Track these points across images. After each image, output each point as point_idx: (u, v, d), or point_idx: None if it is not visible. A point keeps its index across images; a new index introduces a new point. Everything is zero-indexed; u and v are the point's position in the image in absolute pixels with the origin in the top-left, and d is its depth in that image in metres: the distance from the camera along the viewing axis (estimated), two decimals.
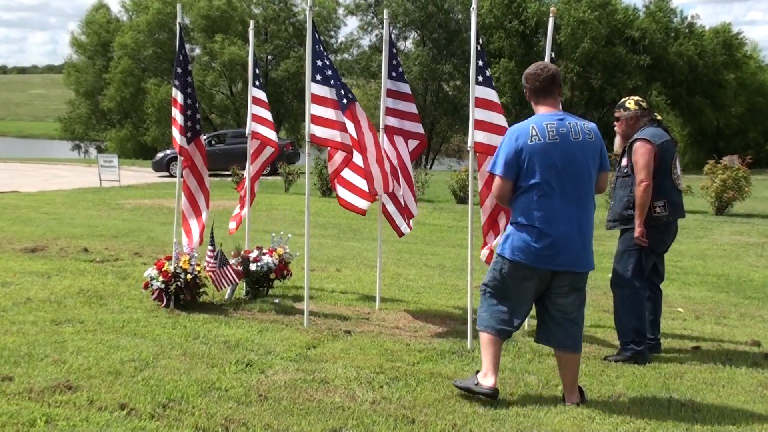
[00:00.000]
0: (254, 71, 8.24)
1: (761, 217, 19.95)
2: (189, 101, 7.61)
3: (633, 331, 6.37)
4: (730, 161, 22.09)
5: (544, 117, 5.08)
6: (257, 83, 8.23)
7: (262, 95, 8.20)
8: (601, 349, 6.59)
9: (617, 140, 6.72)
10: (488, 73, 6.57)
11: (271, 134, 8.16)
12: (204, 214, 7.79)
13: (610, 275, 6.71)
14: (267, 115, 8.18)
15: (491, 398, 5.07)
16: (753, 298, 9.47)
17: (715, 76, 52.87)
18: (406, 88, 7.83)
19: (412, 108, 7.82)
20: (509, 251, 5.13)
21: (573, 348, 5.23)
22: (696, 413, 5.09)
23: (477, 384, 5.11)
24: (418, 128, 7.88)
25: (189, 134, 7.62)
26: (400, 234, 7.92)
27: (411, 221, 7.92)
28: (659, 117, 6.69)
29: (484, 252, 7.07)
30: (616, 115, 6.64)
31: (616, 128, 6.68)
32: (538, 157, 4.95)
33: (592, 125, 5.18)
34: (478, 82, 6.49)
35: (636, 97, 6.71)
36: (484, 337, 5.23)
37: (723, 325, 7.81)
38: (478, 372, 5.24)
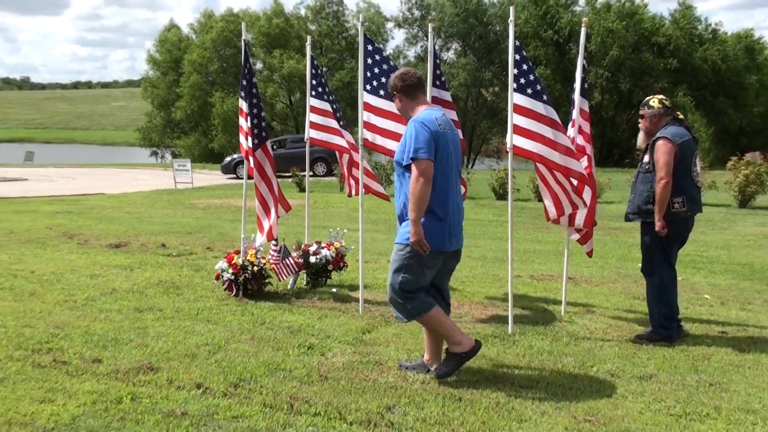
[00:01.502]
0: (311, 82, 8.24)
1: None
2: (255, 110, 7.63)
3: (661, 316, 6.30)
4: (753, 157, 21.63)
5: (434, 110, 5.11)
6: (313, 93, 8.22)
7: (322, 104, 8.15)
8: (632, 333, 6.49)
9: (641, 136, 6.57)
10: (522, 80, 6.47)
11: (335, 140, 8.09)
12: (272, 215, 7.76)
13: (640, 264, 6.62)
14: (330, 123, 8.11)
15: (477, 350, 5.09)
16: None
17: (737, 78, 51.86)
18: (447, 96, 7.79)
19: (453, 115, 7.80)
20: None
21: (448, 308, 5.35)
22: (724, 393, 4.99)
23: (463, 354, 5.04)
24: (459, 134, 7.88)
25: (256, 141, 7.59)
26: None
27: None
28: (681, 116, 6.54)
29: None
30: (641, 112, 6.50)
31: (640, 125, 6.53)
32: (442, 146, 4.90)
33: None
34: (514, 89, 6.44)
35: (660, 96, 6.56)
36: (432, 315, 5.02)
37: (748, 311, 7.63)
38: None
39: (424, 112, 5.05)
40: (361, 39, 6.99)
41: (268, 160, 7.65)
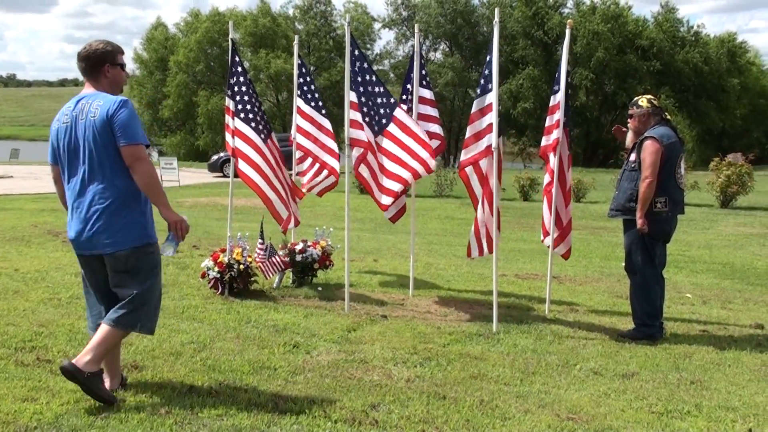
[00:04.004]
0: (298, 81, 8.22)
1: (763, 210, 19.62)
2: (257, 104, 7.58)
3: (644, 314, 6.34)
4: (734, 158, 21.83)
5: (74, 99, 4.57)
6: (299, 92, 8.18)
7: (311, 112, 8.08)
8: (615, 332, 6.52)
9: (629, 135, 6.59)
10: (482, 82, 6.59)
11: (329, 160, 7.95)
12: (291, 204, 7.67)
13: (623, 263, 6.65)
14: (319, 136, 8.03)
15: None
16: (756, 285, 9.30)
17: (719, 81, 52.33)
18: (430, 94, 7.87)
19: (434, 112, 7.88)
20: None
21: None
22: (704, 391, 5.02)
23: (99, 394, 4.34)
24: (440, 130, 7.96)
25: (264, 134, 7.55)
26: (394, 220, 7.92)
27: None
28: (669, 117, 6.57)
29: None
30: (630, 112, 6.51)
31: (629, 124, 6.55)
32: (55, 140, 4.58)
33: (102, 103, 4.40)
34: (489, 91, 6.55)
35: (649, 96, 6.57)
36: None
37: (728, 310, 7.69)
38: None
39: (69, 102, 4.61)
40: (348, 38, 6.98)
41: (276, 151, 7.63)
